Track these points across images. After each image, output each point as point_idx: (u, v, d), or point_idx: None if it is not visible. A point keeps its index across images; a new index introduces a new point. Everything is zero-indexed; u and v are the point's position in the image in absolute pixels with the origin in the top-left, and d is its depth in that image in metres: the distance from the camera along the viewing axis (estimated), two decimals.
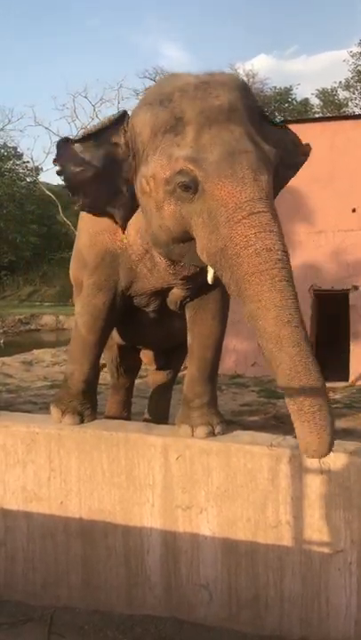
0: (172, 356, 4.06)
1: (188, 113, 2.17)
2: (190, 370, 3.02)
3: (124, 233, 2.65)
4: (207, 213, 2.12)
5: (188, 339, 3.02)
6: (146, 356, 4.12)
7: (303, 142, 2.67)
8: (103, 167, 2.39)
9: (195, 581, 2.69)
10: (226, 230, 2.07)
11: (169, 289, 2.90)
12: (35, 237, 27.23)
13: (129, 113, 2.41)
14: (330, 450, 2.01)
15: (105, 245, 2.87)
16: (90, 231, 2.98)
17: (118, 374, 4.09)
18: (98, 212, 2.55)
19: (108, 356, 3.92)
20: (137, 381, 5.09)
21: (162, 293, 2.94)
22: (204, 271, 2.37)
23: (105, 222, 2.65)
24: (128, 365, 4.07)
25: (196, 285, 2.80)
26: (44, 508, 2.88)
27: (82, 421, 2.95)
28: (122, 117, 2.40)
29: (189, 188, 2.13)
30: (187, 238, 2.26)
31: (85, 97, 36.30)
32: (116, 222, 2.54)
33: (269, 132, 2.43)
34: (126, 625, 2.68)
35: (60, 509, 2.85)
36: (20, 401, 6.58)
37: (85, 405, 3.00)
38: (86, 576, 2.85)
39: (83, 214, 3.07)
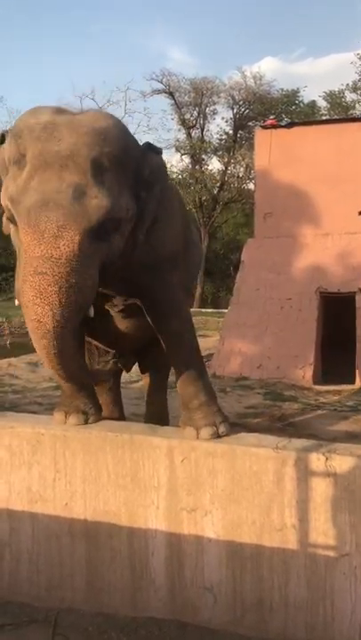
0: (143, 358, 4.08)
1: (29, 152, 2.32)
2: (175, 373, 3.07)
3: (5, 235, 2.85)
4: (21, 249, 2.34)
5: (163, 344, 3.07)
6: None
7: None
8: None
9: (199, 584, 2.68)
10: (20, 283, 2.30)
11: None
12: None
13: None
14: None
15: None
16: None
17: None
18: None
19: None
20: (140, 384, 5.09)
21: None
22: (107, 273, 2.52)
23: None
24: (105, 366, 4.08)
25: (121, 290, 2.91)
26: (49, 509, 2.88)
27: (87, 421, 2.95)
28: (3, 138, 2.59)
29: (13, 221, 2.40)
30: None
31: (93, 99, 36.42)
32: None
33: (123, 179, 2.45)
34: (130, 627, 2.68)
35: (65, 511, 2.85)
36: (25, 402, 6.59)
37: (88, 405, 3.00)
38: (91, 578, 2.85)
39: None
